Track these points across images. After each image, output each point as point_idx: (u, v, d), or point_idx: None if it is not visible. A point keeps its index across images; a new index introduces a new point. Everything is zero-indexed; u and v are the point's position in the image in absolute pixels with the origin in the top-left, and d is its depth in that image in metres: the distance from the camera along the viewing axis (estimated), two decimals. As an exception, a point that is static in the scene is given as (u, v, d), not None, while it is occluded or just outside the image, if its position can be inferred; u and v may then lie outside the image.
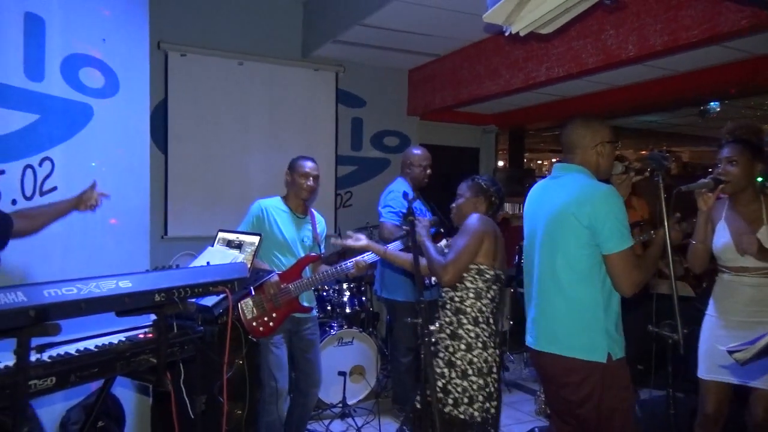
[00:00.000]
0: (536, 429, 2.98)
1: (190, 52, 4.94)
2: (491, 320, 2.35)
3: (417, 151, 4.08)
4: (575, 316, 2.07)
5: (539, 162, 12.82)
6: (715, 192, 2.38)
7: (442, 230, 4.11)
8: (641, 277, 2.01)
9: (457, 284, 2.36)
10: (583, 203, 2.06)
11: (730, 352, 1.46)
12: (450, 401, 2.26)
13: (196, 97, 5.00)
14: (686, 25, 3.40)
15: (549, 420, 2.54)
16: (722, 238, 2.51)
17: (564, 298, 2.10)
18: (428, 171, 4.05)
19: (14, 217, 2.28)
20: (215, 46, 5.04)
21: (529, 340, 2.27)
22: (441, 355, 2.33)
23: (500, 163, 8.33)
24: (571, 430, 2.21)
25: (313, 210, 3.43)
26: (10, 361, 1.62)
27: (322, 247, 3.40)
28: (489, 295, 2.35)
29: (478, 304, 2.33)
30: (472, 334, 2.28)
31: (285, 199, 3.32)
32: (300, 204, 3.30)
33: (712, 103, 5.60)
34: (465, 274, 2.35)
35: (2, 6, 2.57)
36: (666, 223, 1.92)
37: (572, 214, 2.07)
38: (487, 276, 2.35)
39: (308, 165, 3.27)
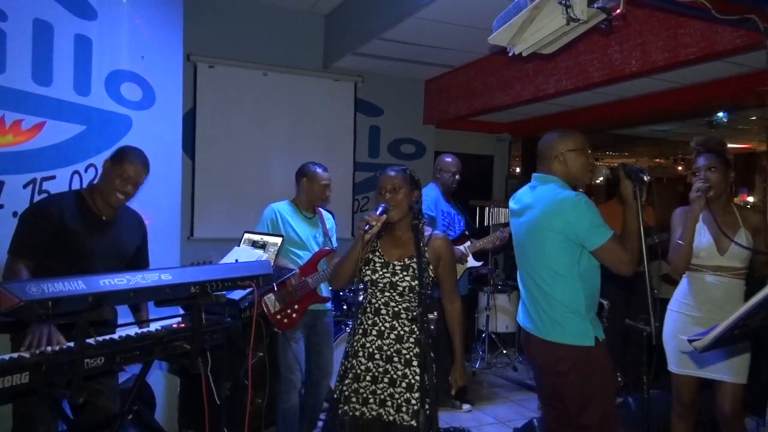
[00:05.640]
0: (534, 420, 3.17)
1: (218, 63, 5.24)
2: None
3: (448, 159, 4.32)
4: (561, 310, 2.29)
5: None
6: (708, 195, 2.61)
7: (467, 233, 4.35)
8: (630, 255, 2.18)
9: None
10: (553, 216, 2.26)
11: (690, 341, 1.65)
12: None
13: (223, 106, 5.29)
14: (685, 43, 3.59)
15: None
16: (703, 238, 2.70)
17: (549, 296, 2.32)
18: (457, 177, 4.27)
19: None
20: (241, 58, 5.32)
21: (525, 324, 2.48)
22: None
23: (518, 170, 8.50)
24: (557, 413, 2.43)
25: (320, 209, 3.64)
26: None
27: (334, 241, 3.64)
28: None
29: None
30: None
31: (295, 201, 3.54)
32: (310, 206, 3.54)
33: (719, 114, 5.74)
34: None
35: (57, 30, 2.88)
36: (641, 227, 2.12)
37: (545, 226, 2.29)
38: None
39: (325, 175, 3.50)
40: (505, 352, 5.64)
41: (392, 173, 2.40)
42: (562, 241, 2.25)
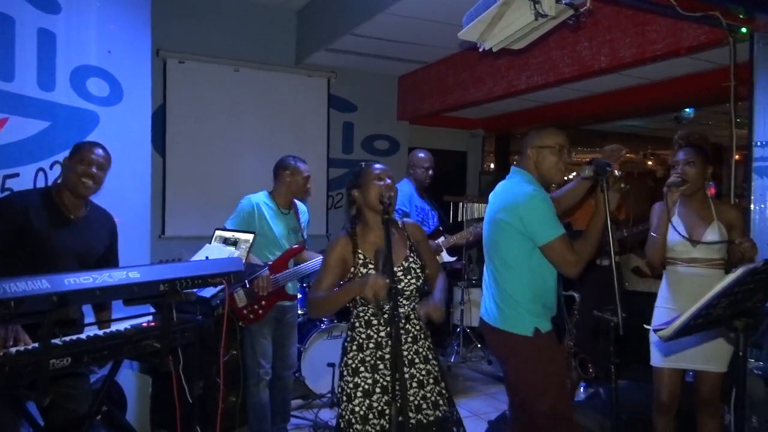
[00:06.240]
0: (506, 412, 3.20)
1: (188, 59, 5.17)
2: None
3: (421, 154, 4.34)
4: (508, 299, 2.35)
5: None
6: (681, 189, 2.65)
7: (441, 228, 4.37)
8: (576, 256, 2.23)
9: None
10: (509, 208, 2.32)
11: (655, 330, 1.68)
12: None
13: (193, 102, 5.23)
14: (652, 39, 3.66)
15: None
16: (677, 231, 2.75)
17: (499, 285, 2.39)
18: (430, 172, 4.29)
19: None
20: (212, 54, 5.27)
21: (482, 313, 2.55)
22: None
23: (491, 166, 8.57)
24: (517, 401, 2.51)
25: (295, 201, 3.61)
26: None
27: (305, 234, 3.63)
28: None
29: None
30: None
31: (273, 194, 3.49)
32: (289, 200, 3.51)
33: (686, 110, 5.86)
34: None
35: (18, 24, 2.81)
36: (608, 222, 2.15)
37: (501, 217, 2.35)
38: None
39: (307, 167, 3.50)
40: (479, 346, 5.68)
41: (386, 167, 2.31)
42: (514, 233, 2.30)
